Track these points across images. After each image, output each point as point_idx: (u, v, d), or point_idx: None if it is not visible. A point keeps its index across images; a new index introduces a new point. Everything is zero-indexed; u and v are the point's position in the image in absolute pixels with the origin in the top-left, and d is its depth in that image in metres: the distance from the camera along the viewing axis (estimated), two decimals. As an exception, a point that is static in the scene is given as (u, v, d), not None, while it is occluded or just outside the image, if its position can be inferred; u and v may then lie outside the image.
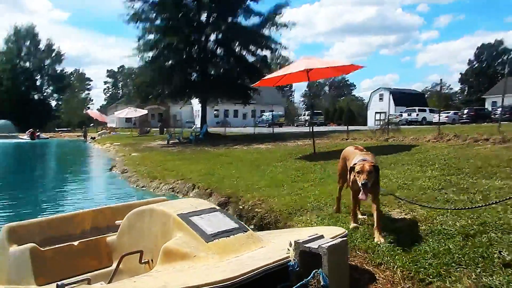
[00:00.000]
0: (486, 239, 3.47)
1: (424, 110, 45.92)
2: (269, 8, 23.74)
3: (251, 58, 24.25)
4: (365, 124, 55.24)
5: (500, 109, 36.82)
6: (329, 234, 3.02)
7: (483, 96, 51.96)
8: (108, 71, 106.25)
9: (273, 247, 3.12)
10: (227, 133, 25.54)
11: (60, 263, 3.46)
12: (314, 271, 2.54)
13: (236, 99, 25.52)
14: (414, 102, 53.89)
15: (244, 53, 24.18)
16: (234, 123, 50.56)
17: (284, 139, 18.77)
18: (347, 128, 16.26)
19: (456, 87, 77.39)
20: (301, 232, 3.72)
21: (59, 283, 2.82)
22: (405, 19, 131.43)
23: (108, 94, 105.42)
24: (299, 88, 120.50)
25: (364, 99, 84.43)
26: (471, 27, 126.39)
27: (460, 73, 75.42)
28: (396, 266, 3.27)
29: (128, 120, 51.58)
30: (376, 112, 59.52)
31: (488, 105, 46.92)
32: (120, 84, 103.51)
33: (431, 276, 3.04)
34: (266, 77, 12.61)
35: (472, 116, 38.23)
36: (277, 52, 23.51)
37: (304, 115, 54.46)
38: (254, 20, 23.75)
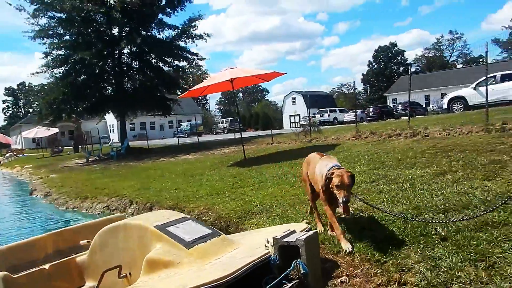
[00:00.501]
0: (421, 220, 4.04)
1: (335, 111, 48.87)
2: (183, 20, 23.76)
3: (168, 70, 24.11)
4: (281, 127, 57.14)
5: (400, 105, 40.53)
6: (297, 229, 3.36)
7: (384, 94, 56.39)
8: (6, 89, 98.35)
9: (247, 247, 3.39)
10: (150, 146, 25.08)
11: (34, 288, 3.43)
12: (294, 262, 2.86)
13: (156, 111, 25.17)
14: (324, 103, 57.03)
15: (161, 65, 23.97)
16: (151, 135, 49.49)
17: (209, 147, 19.00)
18: (271, 132, 16.89)
19: (360, 87, 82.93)
20: (259, 232, 4.04)
21: None
22: (307, 27, 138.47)
23: (8, 114, 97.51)
24: (213, 96, 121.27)
25: (277, 103, 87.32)
26: (367, 32, 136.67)
27: (362, 74, 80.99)
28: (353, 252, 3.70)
29: (34, 140, 48.23)
30: (290, 115, 62.13)
31: (389, 102, 51.04)
32: (21, 102, 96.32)
33: (384, 256, 3.50)
34: (193, 88, 12.76)
35: (377, 113, 41.13)
36: (193, 63, 23.58)
37: (222, 122, 54.91)
38: (169, 32, 23.73)
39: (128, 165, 17.52)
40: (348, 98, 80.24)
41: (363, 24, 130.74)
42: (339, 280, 3.26)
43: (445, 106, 22.29)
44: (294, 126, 55.59)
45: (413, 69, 76.33)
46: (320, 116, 46.68)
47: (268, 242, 3.08)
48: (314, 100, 58.27)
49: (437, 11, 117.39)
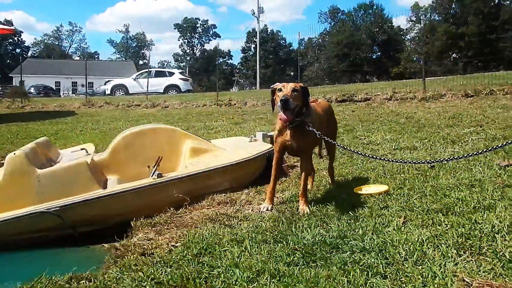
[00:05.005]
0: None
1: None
2: None
3: None
4: None
5: (33, 88, 39.98)
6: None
7: (10, 75, 52.72)
8: None
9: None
10: None
11: (94, 174, 4.03)
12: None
13: None
14: None
15: None
16: None
17: None
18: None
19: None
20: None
21: (157, 172, 4.04)
22: None
23: None
24: None
25: None
26: None
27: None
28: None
29: None
30: None
31: (17, 83, 48.30)
32: None
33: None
34: None
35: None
36: None
37: None
38: None
39: None
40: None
41: None
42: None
43: (108, 91, 25.00)
44: None
45: (29, 53, 73.79)
46: None
47: (253, 136, 5.21)
48: None
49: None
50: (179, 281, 2.00)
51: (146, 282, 2.03)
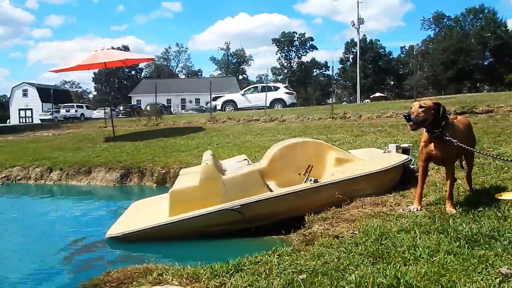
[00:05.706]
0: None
1: (82, 107, 47.92)
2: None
3: None
4: (3, 121, 50.83)
5: (149, 106, 43.74)
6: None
7: (129, 95, 58.78)
8: None
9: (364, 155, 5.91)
10: None
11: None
12: (409, 156, 5.69)
13: None
14: (61, 99, 54.59)
15: None
16: None
17: (12, 132, 17.32)
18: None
19: (90, 86, 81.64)
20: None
21: (312, 178, 4.82)
22: (15, 13, 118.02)
23: None
24: None
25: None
26: (82, 31, 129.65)
27: (94, 73, 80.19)
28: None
29: None
30: (20, 109, 56.28)
31: (134, 102, 53.69)
32: None
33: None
34: (74, 65, 12.22)
35: (128, 111, 43.12)
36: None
37: None
38: None
39: None
40: (76, 96, 78.35)
41: (79, 22, 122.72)
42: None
43: (219, 107, 26.93)
44: (23, 121, 50.99)
45: (142, 74, 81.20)
46: (66, 111, 45.13)
47: (387, 148, 5.83)
48: (50, 94, 55.02)
49: (151, 22, 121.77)
50: (376, 253, 2.73)
51: (351, 254, 2.79)
